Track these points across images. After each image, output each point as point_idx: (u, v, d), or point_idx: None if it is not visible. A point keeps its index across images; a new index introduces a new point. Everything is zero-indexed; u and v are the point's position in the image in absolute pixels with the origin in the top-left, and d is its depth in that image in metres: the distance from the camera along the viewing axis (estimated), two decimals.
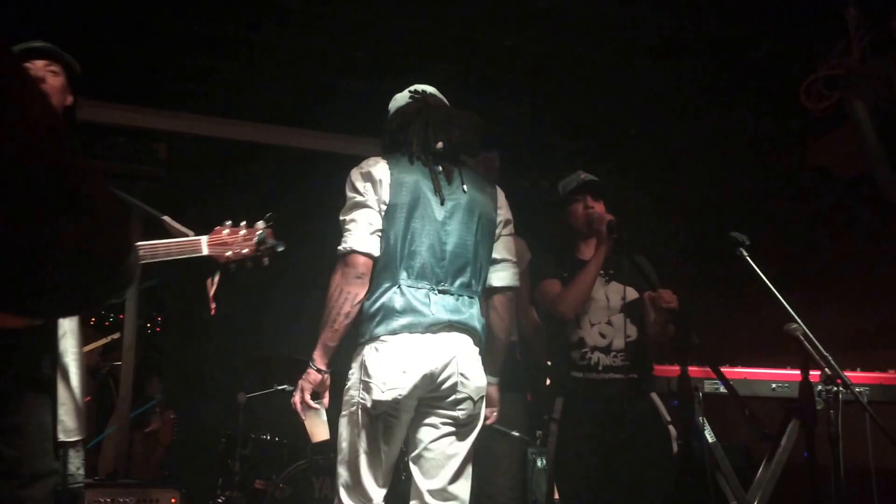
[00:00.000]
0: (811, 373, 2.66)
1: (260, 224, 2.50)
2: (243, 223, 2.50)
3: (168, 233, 2.55)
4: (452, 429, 2.58)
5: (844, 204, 3.51)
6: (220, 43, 4.30)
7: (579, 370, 3.19)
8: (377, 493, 2.55)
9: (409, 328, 2.51)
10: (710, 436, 3.06)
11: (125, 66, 4.51)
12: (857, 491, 2.84)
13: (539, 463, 4.10)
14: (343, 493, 2.56)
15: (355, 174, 2.65)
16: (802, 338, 2.63)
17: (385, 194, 2.58)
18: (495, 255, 2.76)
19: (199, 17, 4.06)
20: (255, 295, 5.66)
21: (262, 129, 5.25)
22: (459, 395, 2.55)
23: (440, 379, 2.53)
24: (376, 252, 2.57)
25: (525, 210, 3.30)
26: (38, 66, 2.47)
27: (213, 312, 2.77)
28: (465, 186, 2.68)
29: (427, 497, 2.56)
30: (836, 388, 2.70)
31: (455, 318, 2.56)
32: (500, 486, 3.57)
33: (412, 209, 2.59)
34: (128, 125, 4.95)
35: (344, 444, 2.57)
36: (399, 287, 2.55)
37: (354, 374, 2.57)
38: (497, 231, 2.76)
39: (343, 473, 2.57)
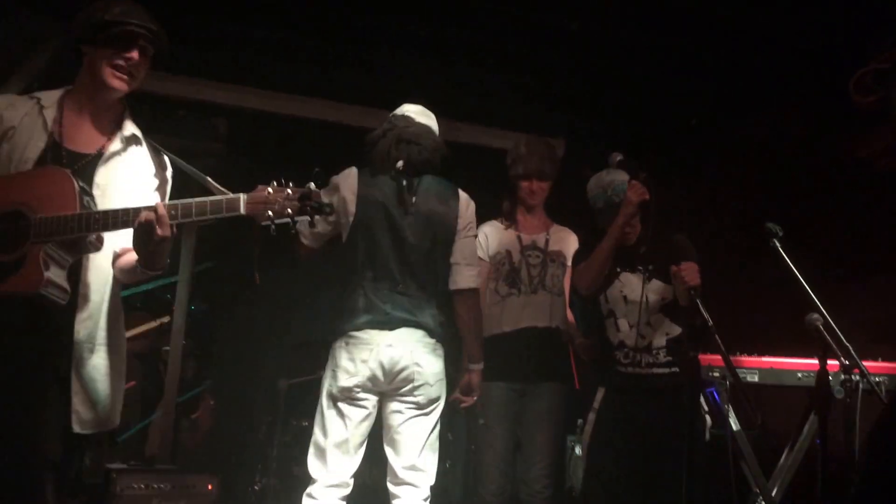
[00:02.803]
0: (831, 363, 2.91)
1: (312, 186, 2.42)
2: (290, 183, 2.40)
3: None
4: (416, 411, 3.23)
5: (886, 197, 3.76)
6: (287, 16, 4.56)
7: (622, 366, 3.44)
8: (342, 469, 3.17)
9: (371, 325, 3.18)
10: (734, 423, 3.33)
11: (187, 38, 4.60)
12: None
13: (578, 450, 4.42)
14: (311, 466, 3.19)
15: (330, 182, 3.32)
16: (822, 328, 2.88)
17: (351, 205, 3.26)
18: (452, 259, 3.37)
19: None
20: (300, 279, 5.86)
21: (326, 105, 5.40)
22: (417, 382, 3.20)
23: (398, 368, 3.17)
24: (310, 244, 3.35)
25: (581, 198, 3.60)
26: (134, 47, 2.53)
27: (257, 281, 3.19)
28: (424, 197, 3.30)
29: (400, 472, 3.21)
30: (854, 378, 2.97)
31: (410, 315, 3.21)
32: (536, 474, 3.85)
33: (375, 220, 3.25)
34: (188, 98, 5.16)
35: (316, 425, 3.23)
36: (363, 289, 3.24)
37: (328, 365, 3.25)
38: (455, 237, 3.36)
39: (312, 449, 3.21)
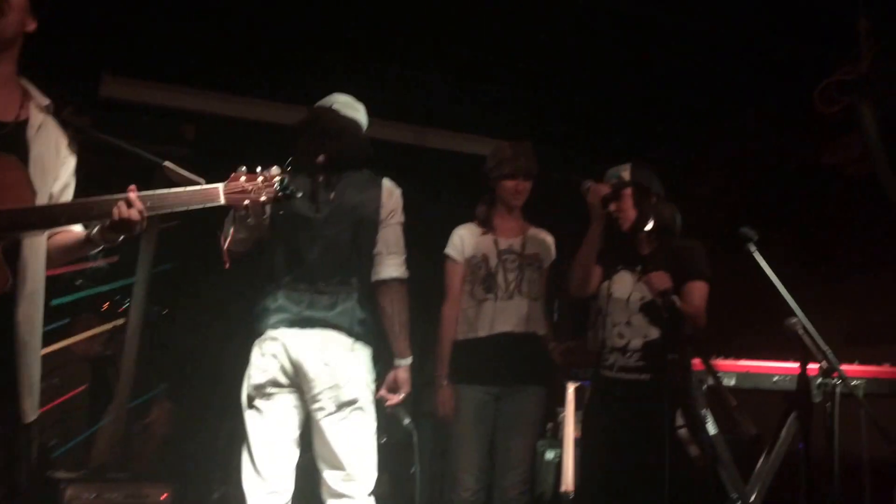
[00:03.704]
0: (810, 366, 2.97)
1: (276, 169, 2.44)
2: (259, 168, 2.43)
3: (171, 182, 2.44)
4: (334, 414, 3.07)
5: (854, 203, 3.87)
6: (253, 22, 4.52)
7: (603, 368, 3.46)
8: (275, 472, 3.06)
9: (283, 323, 3.10)
10: (712, 428, 3.36)
11: (154, 43, 4.68)
12: (852, 482, 3.14)
13: (547, 455, 4.43)
14: (245, 480, 3.08)
15: None
16: (801, 332, 2.93)
17: (267, 207, 3.04)
18: (377, 249, 3.25)
19: None
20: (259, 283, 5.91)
21: (294, 110, 5.07)
22: (327, 384, 3.06)
23: (306, 368, 3.06)
24: (234, 248, 3.14)
25: (559, 203, 3.60)
26: None
27: (227, 266, 3.08)
28: (342, 190, 3.21)
29: (330, 481, 3.10)
30: (833, 382, 3.01)
31: (325, 315, 3.10)
32: (513, 480, 3.83)
33: (292, 218, 3.15)
34: (155, 104, 5.05)
35: (243, 436, 3.12)
36: (279, 289, 3.16)
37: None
38: (379, 227, 3.26)
39: (243, 461, 3.10)
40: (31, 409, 2.33)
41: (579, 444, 3.54)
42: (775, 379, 3.43)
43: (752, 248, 3.14)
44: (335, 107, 3.36)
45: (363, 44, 4.70)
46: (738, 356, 3.48)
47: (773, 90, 4.52)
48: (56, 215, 2.31)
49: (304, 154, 3.17)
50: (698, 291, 3.35)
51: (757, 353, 3.54)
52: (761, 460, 3.42)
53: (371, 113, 3.49)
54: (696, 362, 3.32)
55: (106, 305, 7.22)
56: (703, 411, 3.34)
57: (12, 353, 2.28)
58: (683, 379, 3.25)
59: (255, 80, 5.12)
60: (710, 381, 3.36)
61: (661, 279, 3.20)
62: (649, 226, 3.41)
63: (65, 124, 2.51)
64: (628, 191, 3.46)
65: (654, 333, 3.38)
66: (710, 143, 5.01)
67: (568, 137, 5.49)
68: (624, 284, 3.46)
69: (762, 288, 3.07)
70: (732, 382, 3.48)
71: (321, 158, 3.17)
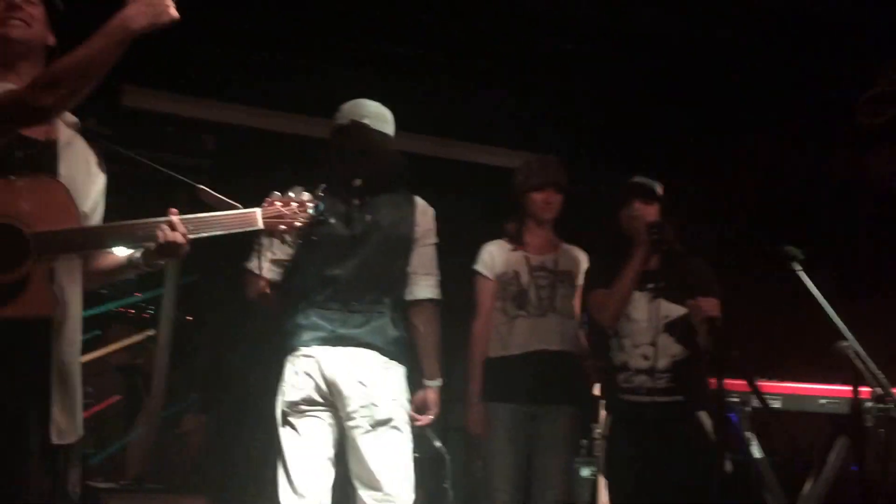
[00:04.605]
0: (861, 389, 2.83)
1: (306, 195, 2.49)
2: (291, 193, 2.48)
3: (205, 205, 2.45)
4: (368, 433, 3.01)
5: None
6: (275, 33, 4.51)
7: (624, 392, 3.36)
8: (311, 488, 3.00)
9: (317, 341, 3.05)
10: (757, 451, 3.23)
11: (175, 54, 4.64)
12: None
13: (583, 472, 4.32)
14: (280, 490, 3.02)
15: None
16: (853, 356, 2.79)
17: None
18: (411, 268, 3.19)
19: (249, 5, 4.30)
20: (290, 299, 5.86)
21: (316, 122, 5.14)
22: (362, 402, 3.01)
23: (340, 387, 3.01)
24: (276, 278, 3.14)
25: (587, 217, 3.49)
26: None
27: (268, 291, 3.06)
28: (376, 208, 3.14)
29: (367, 501, 3.01)
30: (886, 406, 2.87)
31: (359, 334, 3.06)
32: (550, 499, 3.73)
33: (324, 237, 3.04)
34: (176, 114, 5.04)
35: (277, 452, 3.07)
36: (311, 307, 3.09)
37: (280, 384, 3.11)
38: (413, 246, 3.20)
39: (279, 479, 3.04)
40: (77, 429, 2.33)
41: (607, 473, 3.40)
42: (822, 401, 3.28)
43: (797, 266, 3.00)
44: (367, 121, 3.25)
45: (388, 55, 4.67)
46: (783, 378, 3.33)
47: (813, 102, 4.39)
48: (102, 237, 2.32)
49: (339, 174, 3.13)
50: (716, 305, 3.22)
51: (802, 375, 3.39)
52: (808, 484, 3.27)
53: (398, 126, 3.40)
54: (741, 384, 3.19)
55: (136, 316, 7.25)
56: (748, 434, 3.21)
57: (49, 375, 2.26)
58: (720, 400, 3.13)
59: (276, 91, 5.09)
60: (756, 403, 3.23)
61: (712, 306, 3.12)
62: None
63: (92, 142, 2.49)
64: (657, 207, 3.39)
65: (682, 353, 3.29)
66: (747, 157, 4.86)
67: (599, 151, 5.40)
68: (640, 305, 3.37)
69: (806, 307, 2.95)
70: (778, 405, 3.34)
71: (358, 182, 3.11)
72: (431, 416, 3.29)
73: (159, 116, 5.05)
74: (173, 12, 2.28)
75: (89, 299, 2.43)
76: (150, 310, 7.21)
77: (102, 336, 7.45)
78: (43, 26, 2.38)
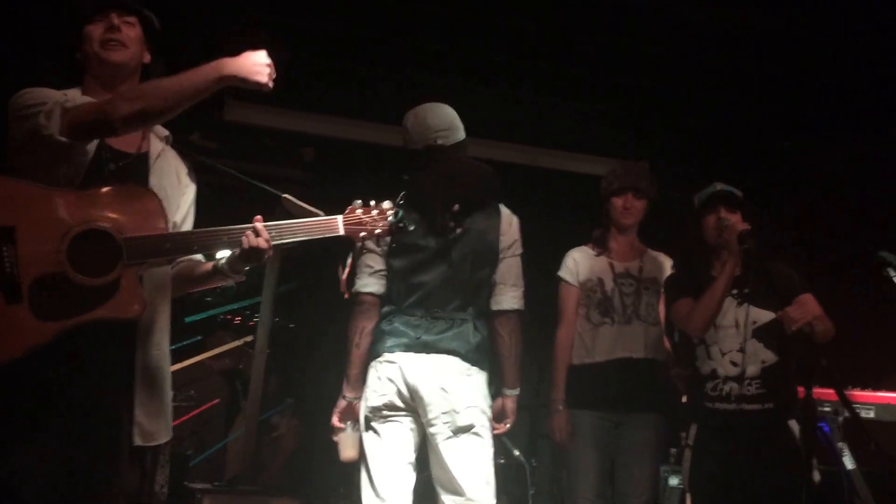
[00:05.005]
0: None
1: (387, 203, 2.51)
2: (372, 202, 2.51)
3: (290, 214, 2.53)
4: (450, 439, 3.04)
5: None
6: (370, 47, 4.58)
7: (711, 401, 3.30)
8: (392, 492, 3.02)
9: (400, 347, 3.07)
10: (849, 462, 3.12)
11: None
12: None
13: (671, 481, 4.24)
14: (363, 493, 3.06)
15: None
16: None
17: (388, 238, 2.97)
18: (497, 278, 3.21)
19: (346, 17, 4.38)
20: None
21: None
22: (444, 409, 3.03)
23: (422, 393, 3.03)
24: (378, 289, 3.17)
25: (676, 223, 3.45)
26: (110, 17, 2.41)
27: (346, 296, 3.12)
28: (465, 218, 3.12)
29: None
30: None
31: (443, 340, 3.08)
32: None
33: (412, 246, 3.11)
34: (276, 127, 5.16)
35: (361, 456, 3.12)
36: (395, 314, 3.13)
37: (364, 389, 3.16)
38: (500, 256, 3.21)
39: (362, 483, 3.07)
40: (166, 430, 2.43)
41: (695, 483, 3.32)
42: None
43: (892, 272, 2.90)
44: (440, 141, 3.23)
45: (477, 65, 4.69)
46: (878, 387, 3.20)
47: None
48: (189, 242, 2.38)
49: (432, 202, 3.11)
50: (812, 301, 3.12)
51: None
52: None
53: (485, 134, 3.42)
54: (831, 393, 3.08)
55: (237, 319, 7.47)
56: (840, 444, 3.10)
57: (132, 378, 2.34)
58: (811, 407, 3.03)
59: (371, 103, 5.16)
60: (847, 413, 3.11)
61: (797, 316, 3.03)
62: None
63: (183, 154, 2.59)
64: (740, 214, 3.34)
65: (772, 358, 3.22)
66: (837, 161, 4.71)
67: (685, 157, 5.33)
68: (728, 311, 3.30)
69: None
70: (871, 415, 3.21)
71: (457, 208, 3.10)
72: (508, 425, 3.30)
73: (260, 130, 5.17)
74: (266, 80, 2.38)
75: (191, 306, 2.55)
76: (256, 317, 7.40)
77: (204, 342, 7.71)
78: (140, 47, 2.48)
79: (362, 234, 2.45)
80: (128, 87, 2.40)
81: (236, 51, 2.35)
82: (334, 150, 5.39)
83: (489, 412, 3.17)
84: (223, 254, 2.53)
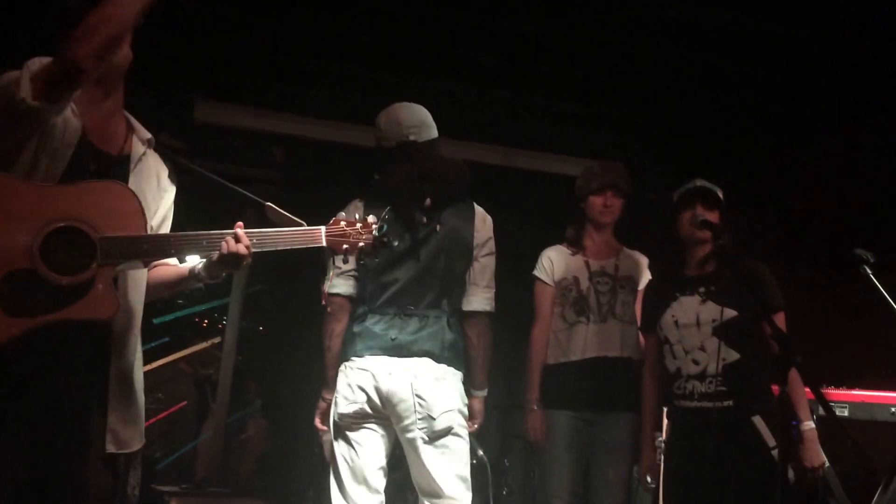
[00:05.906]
0: None
1: (372, 217, 2.48)
2: (357, 215, 2.49)
3: (271, 221, 2.48)
4: (427, 443, 2.97)
5: None
6: (342, 47, 4.52)
7: (678, 399, 3.28)
8: (357, 496, 2.96)
9: (371, 350, 3.01)
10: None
11: (243, 68, 4.75)
12: None
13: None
14: (332, 495, 3.00)
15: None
16: None
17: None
18: (469, 279, 3.16)
19: (318, 19, 4.32)
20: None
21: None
22: (419, 414, 2.97)
23: (396, 399, 2.95)
24: (347, 290, 3.11)
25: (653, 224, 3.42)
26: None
27: (329, 309, 3.06)
28: (439, 216, 3.08)
29: None
30: None
31: (416, 341, 3.01)
32: None
33: (390, 251, 2.95)
34: (245, 127, 5.09)
35: (330, 459, 3.06)
36: (367, 313, 3.06)
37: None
38: (474, 253, 3.17)
39: (332, 488, 3.01)
40: (140, 437, 2.35)
41: (668, 481, 3.30)
42: (893, 410, 3.13)
43: (867, 270, 2.88)
44: (412, 137, 3.17)
45: (450, 66, 4.65)
46: (852, 385, 3.19)
47: (883, 103, 4.26)
48: (167, 245, 2.30)
49: (405, 199, 3.06)
50: (781, 324, 3.11)
51: (871, 383, 3.25)
52: (878, 494, 3.12)
53: (459, 135, 3.37)
54: (806, 391, 3.06)
55: (209, 326, 7.39)
56: None
57: (105, 384, 2.26)
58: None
59: (342, 103, 5.12)
60: (821, 411, 3.10)
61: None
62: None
63: (164, 156, 2.51)
64: (719, 212, 3.32)
65: (733, 356, 3.19)
66: (817, 159, 4.73)
67: (664, 156, 5.34)
68: (688, 309, 3.28)
69: (877, 312, 2.82)
70: (845, 413, 3.20)
71: (428, 202, 3.07)
72: (476, 425, 3.26)
73: (230, 129, 5.11)
74: None
75: (160, 307, 2.47)
76: (224, 320, 7.32)
77: (170, 343, 7.59)
78: (128, 48, 2.35)
79: (345, 246, 2.41)
80: (80, 27, 2.19)
81: None
82: (305, 150, 5.34)
83: (465, 410, 3.11)
84: (194, 258, 2.46)
